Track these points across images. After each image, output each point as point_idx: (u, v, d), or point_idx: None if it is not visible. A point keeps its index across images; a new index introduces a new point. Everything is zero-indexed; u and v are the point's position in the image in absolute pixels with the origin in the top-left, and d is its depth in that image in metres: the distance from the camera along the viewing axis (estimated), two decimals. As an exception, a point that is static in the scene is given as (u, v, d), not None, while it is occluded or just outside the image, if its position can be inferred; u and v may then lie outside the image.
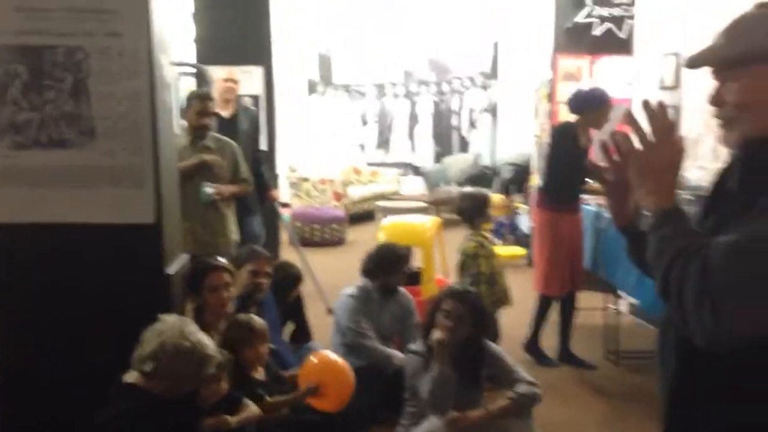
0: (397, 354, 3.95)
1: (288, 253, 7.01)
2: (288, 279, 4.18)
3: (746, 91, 1.41)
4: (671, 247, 1.34)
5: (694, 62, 1.50)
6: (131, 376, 2.43)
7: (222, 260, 3.32)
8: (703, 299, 1.24)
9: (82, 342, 2.82)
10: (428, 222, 5.62)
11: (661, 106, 1.43)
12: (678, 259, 1.31)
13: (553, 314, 4.91)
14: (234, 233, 4.56)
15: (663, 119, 1.42)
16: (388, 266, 4.14)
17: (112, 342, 2.56)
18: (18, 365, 2.87)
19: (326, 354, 3.49)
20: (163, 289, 2.88)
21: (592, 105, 4.68)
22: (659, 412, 1.58)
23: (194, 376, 2.45)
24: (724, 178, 1.50)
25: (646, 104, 1.43)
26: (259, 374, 3.21)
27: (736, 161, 1.47)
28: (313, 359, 3.36)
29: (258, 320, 3.21)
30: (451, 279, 4.91)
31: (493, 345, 3.45)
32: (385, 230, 5.38)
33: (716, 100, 1.47)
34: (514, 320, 4.98)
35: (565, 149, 4.73)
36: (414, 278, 4.90)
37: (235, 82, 5.46)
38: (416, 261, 4.94)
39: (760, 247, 1.24)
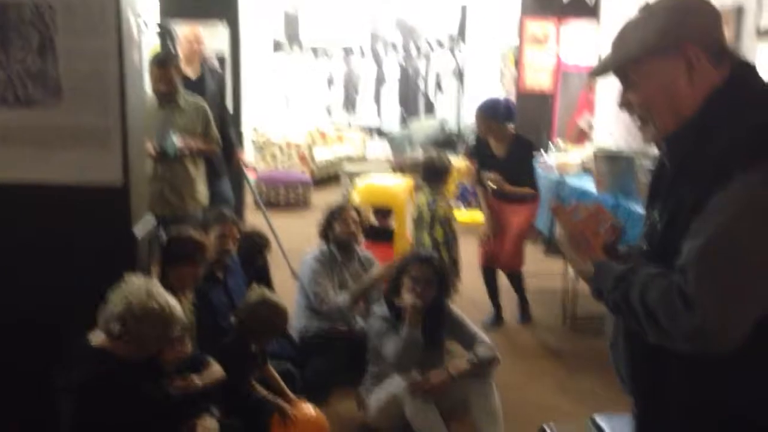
0: (342, 297, 4.04)
1: (253, 216, 7.00)
2: (255, 248, 4.21)
3: (644, 90, 1.48)
4: (630, 286, 1.41)
5: (596, 72, 1.58)
6: (96, 338, 2.45)
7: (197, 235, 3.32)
8: (693, 310, 1.29)
9: (45, 302, 2.83)
10: (401, 184, 5.72)
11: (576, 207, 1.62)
12: (649, 288, 1.37)
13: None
14: (203, 195, 4.56)
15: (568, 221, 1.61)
16: (330, 219, 4.24)
17: (76, 302, 2.56)
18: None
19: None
20: (130, 250, 2.89)
21: (513, 115, 4.81)
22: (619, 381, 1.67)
23: (161, 337, 2.47)
24: (660, 168, 1.57)
25: (556, 209, 1.62)
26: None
27: (664, 154, 1.54)
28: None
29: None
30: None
31: (455, 309, 3.54)
32: (359, 192, 5.47)
33: (624, 104, 1.54)
34: (473, 282, 5.07)
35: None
36: (386, 236, 5.08)
37: (199, 42, 5.39)
38: (391, 221, 5.16)
39: (733, 242, 1.29)
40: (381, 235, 5.20)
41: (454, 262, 4.57)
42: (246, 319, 3.18)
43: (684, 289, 1.30)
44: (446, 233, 4.49)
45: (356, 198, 5.34)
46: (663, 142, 1.53)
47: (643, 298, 1.37)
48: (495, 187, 4.64)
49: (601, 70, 1.56)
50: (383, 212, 5.36)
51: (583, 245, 1.59)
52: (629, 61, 1.48)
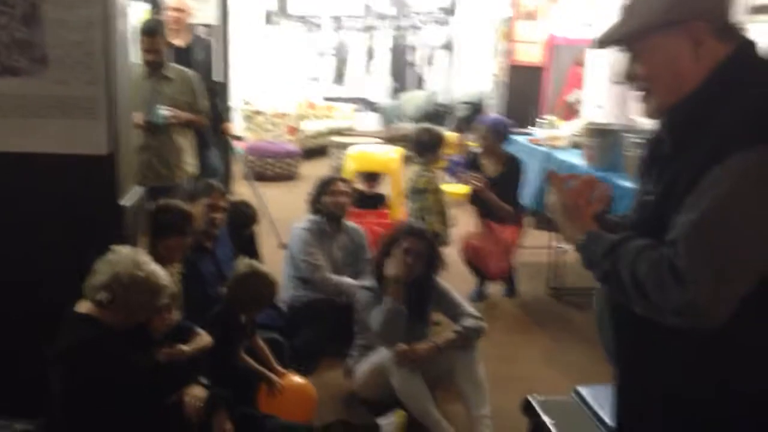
0: (347, 280, 4.06)
1: (241, 187, 6.99)
2: (243, 219, 4.22)
3: (649, 63, 1.49)
4: (619, 258, 1.43)
5: (602, 42, 1.58)
6: (83, 306, 2.45)
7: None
8: (684, 284, 1.29)
9: (32, 273, 2.83)
10: (393, 151, 5.79)
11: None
12: (638, 261, 1.38)
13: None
14: (191, 166, 4.55)
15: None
16: (320, 191, 4.27)
17: (63, 273, 2.56)
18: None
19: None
20: (117, 220, 2.89)
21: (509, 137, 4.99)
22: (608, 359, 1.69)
23: (148, 306, 2.48)
24: (657, 141, 1.58)
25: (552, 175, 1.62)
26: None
27: (663, 128, 1.55)
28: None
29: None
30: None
31: (441, 282, 3.56)
32: (352, 158, 5.48)
33: (629, 75, 1.55)
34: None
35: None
36: (376, 202, 5.12)
37: (181, 11, 5.34)
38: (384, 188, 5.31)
39: (727, 218, 1.30)
40: (370, 201, 5.22)
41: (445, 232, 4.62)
42: (235, 290, 3.19)
43: (675, 263, 1.31)
44: (421, 204, 4.53)
45: (349, 166, 5.35)
46: (663, 115, 1.54)
47: (633, 270, 1.38)
48: (476, 183, 4.67)
49: (608, 41, 1.55)
50: (372, 177, 5.37)
51: (575, 213, 1.61)
52: (636, 34, 1.48)
